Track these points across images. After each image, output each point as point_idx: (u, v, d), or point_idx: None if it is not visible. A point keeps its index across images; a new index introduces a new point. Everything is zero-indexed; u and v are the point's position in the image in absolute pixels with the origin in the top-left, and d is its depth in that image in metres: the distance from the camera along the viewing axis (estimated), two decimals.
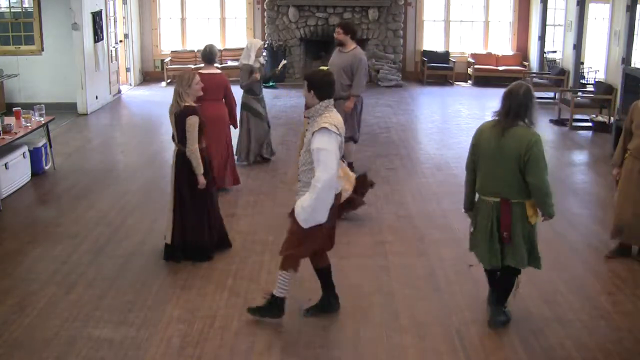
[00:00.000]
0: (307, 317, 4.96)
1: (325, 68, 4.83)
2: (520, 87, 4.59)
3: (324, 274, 5.02)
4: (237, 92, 8.75)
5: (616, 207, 6.10)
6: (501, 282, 4.89)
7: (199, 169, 5.71)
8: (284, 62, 9.70)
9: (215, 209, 6.04)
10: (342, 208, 6.79)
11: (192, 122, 5.68)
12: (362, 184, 6.94)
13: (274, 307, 4.87)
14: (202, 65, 7.77)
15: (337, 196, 4.74)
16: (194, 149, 5.68)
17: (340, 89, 7.97)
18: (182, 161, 5.76)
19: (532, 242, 4.70)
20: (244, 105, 8.64)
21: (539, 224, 4.84)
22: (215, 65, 7.81)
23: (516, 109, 4.53)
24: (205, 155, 5.86)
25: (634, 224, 5.93)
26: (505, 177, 4.58)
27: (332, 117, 4.55)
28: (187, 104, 5.73)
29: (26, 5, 12.74)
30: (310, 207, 4.46)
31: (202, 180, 5.74)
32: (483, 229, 4.74)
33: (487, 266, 4.84)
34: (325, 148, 4.42)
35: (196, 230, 5.88)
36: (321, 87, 4.58)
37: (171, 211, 5.90)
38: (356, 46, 7.96)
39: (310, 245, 4.72)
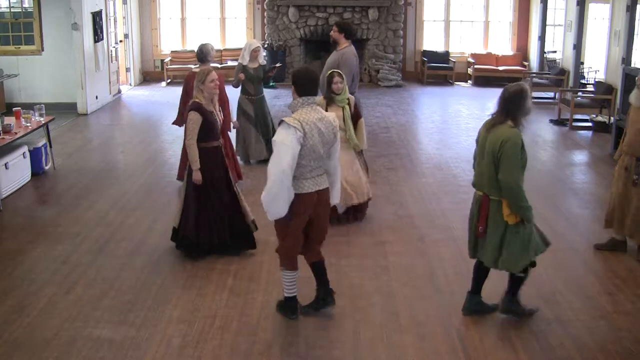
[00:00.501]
0: (305, 316, 4.95)
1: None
2: (511, 87, 4.67)
3: (317, 268, 5.00)
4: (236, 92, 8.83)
5: (609, 199, 6.38)
6: (512, 273, 4.92)
7: (194, 164, 5.78)
8: (278, 64, 9.74)
9: (222, 210, 5.99)
10: (346, 215, 6.80)
11: (191, 117, 5.75)
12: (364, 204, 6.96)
13: (285, 307, 4.96)
14: (198, 65, 7.86)
15: (324, 192, 4.73)
16: (189, 143, 5.79)
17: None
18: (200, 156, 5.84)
19: (508, 242, 4.65)
20: (238, 105, 8.79)
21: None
22: (211, 64, 7.86)
23: (504, 108, 4.62)
24: (219, 153, 5.95)
25: (618, 216, 6.14)
26: (486, 173, 4.68)
27: (305, 114, 4.57)
28: (196, 100, 5.80)
29: (26, 5, 12.74)
30: (266, 198, 4.52)
31: (196, 177, 5.79)
32: (469, 219, 4.91)
33: (469, 254, 5.02)
34: (280, 141, 4.47)
35: (193, 227, 5.92)
36: (300, 84, 4.63)
37: (182, 200, 6.02)
38: (349, 45, 7.94)
39: (291, 239, 4.75)
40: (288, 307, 4.96)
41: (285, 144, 4.45)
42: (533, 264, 4.88)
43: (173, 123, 8.39)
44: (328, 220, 5.00)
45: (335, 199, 4.97)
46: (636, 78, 6.05)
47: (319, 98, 6.64)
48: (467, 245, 5.00)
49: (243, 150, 8.87)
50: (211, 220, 5.92)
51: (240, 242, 6.11)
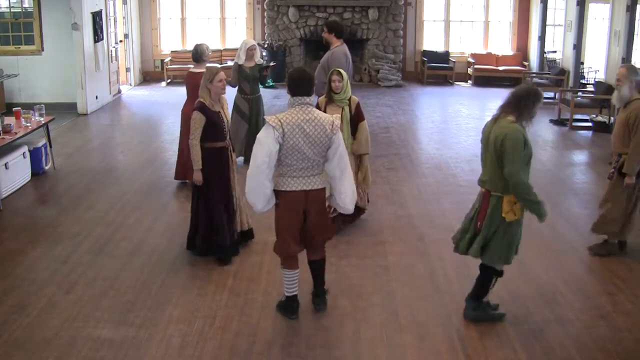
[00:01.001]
0: (305, 315, 4.96)
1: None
2: (526, 87, 4.75)
3: (311, 267, 5.08)
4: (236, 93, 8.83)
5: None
6: (478, 278, 4.94)
7: (195, 164, 5.76)
8: (272, 64, 9.71)
9: (225, 212, 5.93)
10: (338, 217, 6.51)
11: (194, 117, 5.73)
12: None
13: (285, 307, 5.01)
14: (194, 65, 7.89)
15: (315, 193, 4.75)
16: (191, 143, 5.75)
17: (320, 87, 7.95)
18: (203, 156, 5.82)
19: (497, 239, 4.68)
20: (234, 104, 8.80)
21: (540, 225, 4.85)
22: (207, 64, 7.88)
23: (511, 102, 4.66)
24: (225, 154, 5.89)
25: (608, 215, 6.13)
26: (488, 169, 4.71)
27: (291, 114, 4.63)
28: (201, 99, 5.77)
29: (26, 5, 12.74)
30: (246, 192, 4.73)
31: (197, 177, 5.78)
32: (469, 214, 4.91)
33: (455, 249, 4.98)
34: (258, 139, 4.63)
35: (194, 224, 5.97)
36: (292, 84, 4.72)
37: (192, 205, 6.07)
38: (340, 44, 7.91)
39: (283, 237, 4.85)
40: (288, 306, 4.97)
41: (262, 142, 4.58)
42: (501, 274, 4.88)
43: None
44: (326, 220, 4.99)
45: (347, 204, 4.86)
46: (615, 79, 6.02)
47: (321, 98, 6.63)
48: (454, 238, 4.97)
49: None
50: (214, 223, 5.87)
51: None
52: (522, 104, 4.60)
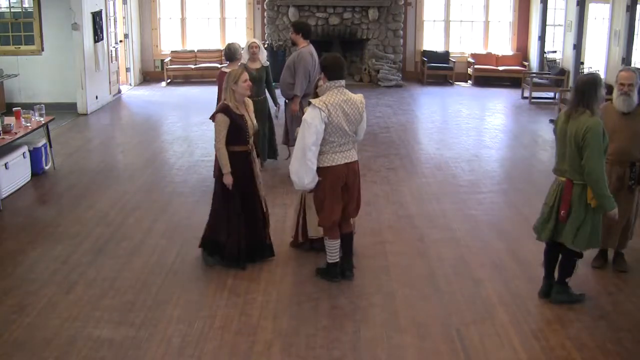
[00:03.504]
0: (305, 316, 4.97)
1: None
2: (582, 78, 5.00)
3: (345, 240, 5.53)
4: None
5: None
6: (561, 262, 5.19)
7: (224, 167, 5.58)
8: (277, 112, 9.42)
9: (247, 216, 5.77)
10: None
11: (217, 119, 5.56)
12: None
13: (329, 272, 5.52)
14: (227, 64, 7.95)
15: (352, 164, 5.32)
16: (217, 147, 5.59)
17: (287, 89, 7.90)
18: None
19: (586, 223, 4.93)
20: None
21: None
22: (241, 62, 7.90)
23: (576, 98, 4.91)
24: (247, 158, 5.70)
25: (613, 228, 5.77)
26: (569, 159, 4.93)
27: (331, 96, 5.16)
28: (225, 102, 5.61)
29: (26, 5, 12.74)
30: (292, 170, 5.19)
31: (227, 180, 5.59)
32: (549, 203, 5.13)
33: (538, 237, 5.24)
34: (306, 120, 5.12)
35: (213, 228, 5.83)
36: (329, 69, 5.22)
37: (211, 206, 5.95)
38: (307, 45, 7.85)
39: (328, 209, 5.29)
40: (331, 271, 5.51)
41: (309, 123, 5.07)
42: (581, 256, 5.16)
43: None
44: (359, 191, 5.49)
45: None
46: (617, 83, 5.61)
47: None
48: (537, 228, 5.22)
49: None
50: (239, 226, 5.72)
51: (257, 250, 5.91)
52: (586, 95, 4.84)
